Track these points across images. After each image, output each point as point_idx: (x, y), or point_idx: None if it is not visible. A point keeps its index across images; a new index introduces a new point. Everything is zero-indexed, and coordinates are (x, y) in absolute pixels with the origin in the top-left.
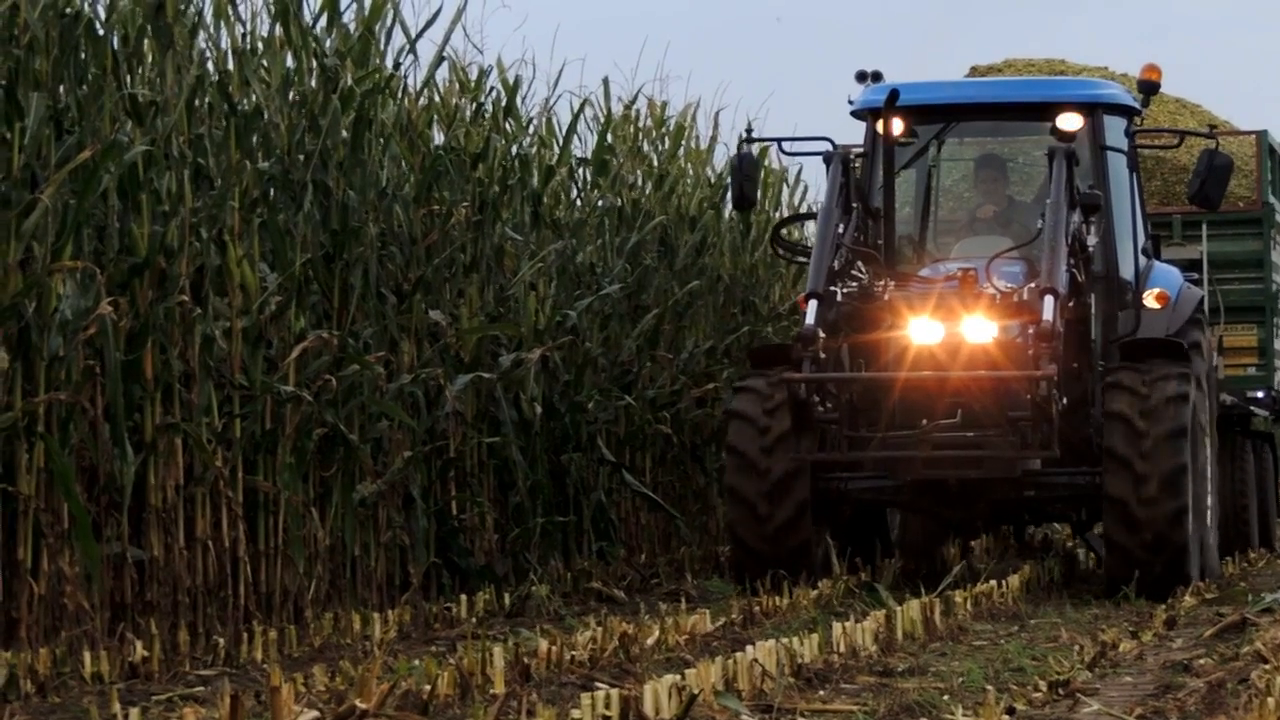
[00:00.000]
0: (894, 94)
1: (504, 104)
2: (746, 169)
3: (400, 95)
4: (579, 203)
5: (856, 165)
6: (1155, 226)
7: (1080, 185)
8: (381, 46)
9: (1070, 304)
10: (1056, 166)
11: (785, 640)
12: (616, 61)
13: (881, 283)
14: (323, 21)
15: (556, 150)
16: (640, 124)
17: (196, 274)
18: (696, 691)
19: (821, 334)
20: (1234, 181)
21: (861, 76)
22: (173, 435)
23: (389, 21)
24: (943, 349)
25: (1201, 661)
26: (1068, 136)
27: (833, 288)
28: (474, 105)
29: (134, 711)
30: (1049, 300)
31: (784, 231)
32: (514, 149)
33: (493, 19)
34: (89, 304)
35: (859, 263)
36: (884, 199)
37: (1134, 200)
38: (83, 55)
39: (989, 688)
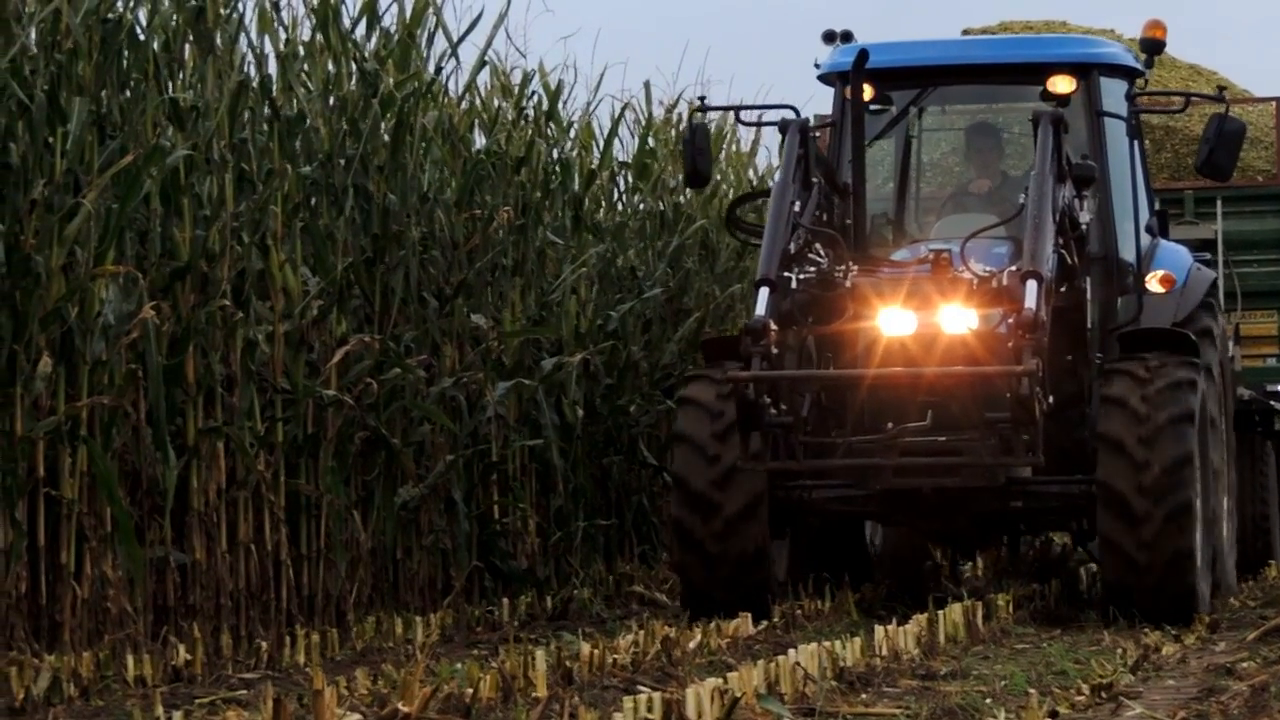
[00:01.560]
0: (863, 55)
1: (546, 108)
2: (700, 142)
3: (442, 99)
4: (620, 206)
5: (817, 135)
6: (1165, 204)
7: (1072, 155)
8: (423, 51)
9: (1062, 289)
10: (1042, 132)
11: (827, 643)
12: (658, 65)
13: (843, 267)
14: (362, 26)
15: (598, 154)
16: (681, 128)
17: (238, 278)
18: (739, 695)
19: (773, 326)
20: (1253, 153)
21: (829, 37)
22: (215, 439)
23: (431, 26)
24: (912, 342)
25: (1245, 665)
26: (1060, 101)
27: (787, 273)
28: (516, 109)
29: (177, 715)
30: (1032, 285)
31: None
32: (556, 153)
33: (535, 23)
34: (131, 308)
35: (818, 245)
36: (853, 173)
37: (1135, 172)
38: (125, 60)
39: (1031, 691)
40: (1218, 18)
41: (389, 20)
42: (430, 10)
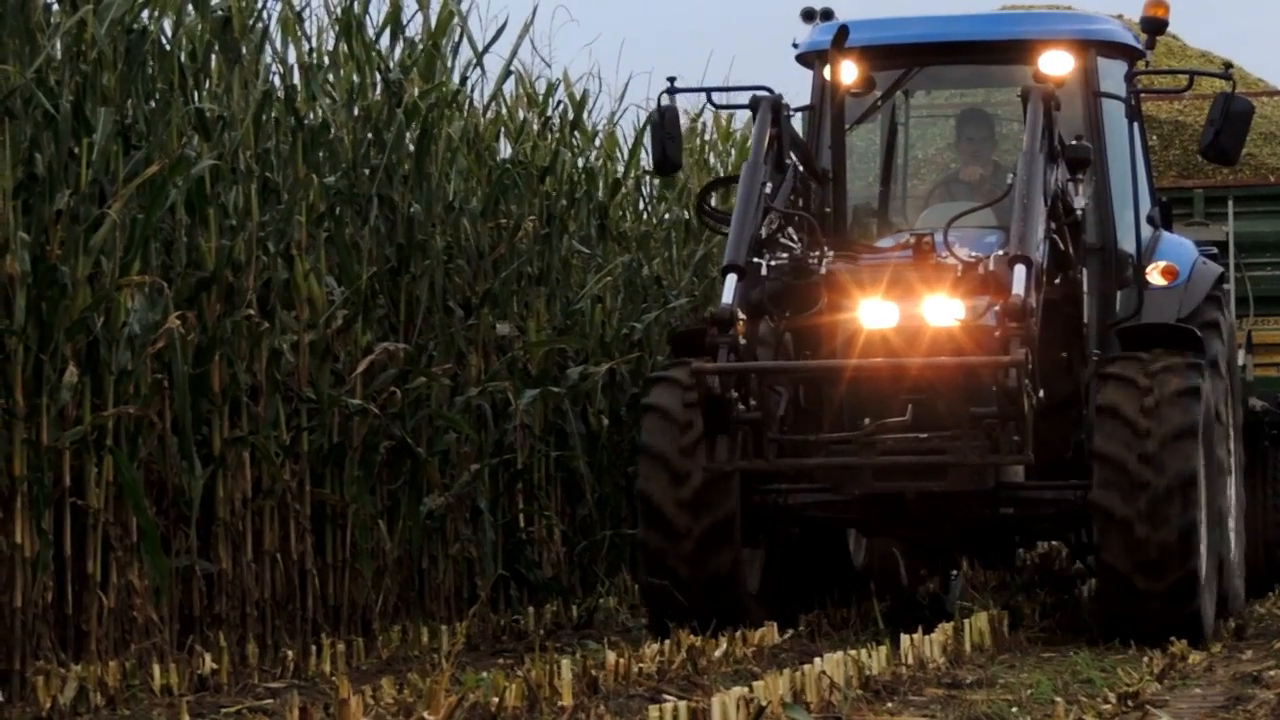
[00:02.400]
0: (843, 32)
1: (571, 117)
2: (669, 126)
3: (467, 109)
4: (646, 215)
5: (792, 114)
6: (1174, 204)
7: (1066, 137)
8: (448, 61)
9: (1057, 280)
10: (1032, 108)
11: (853, 652)
12: (683, 75)
13: (817, 254)
14: (386, 36)
15: (623, 163)
16: (706, 136)
17: (264, 288)
18: (764, 703)
19: (741, 315)
20: (1266, 149)
21: (809, 15)
22: (240, 448)
23: (455, 36)
24: (891, 333)
25: (1272, 673)
26: (1055, 81)
27: (757, 259)
28: (541, 119)
29: None
30: (1020, 271)
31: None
32: (581, 162)
33: (560, 33)
34: (157, 318)
35: (791, 230)
36: (833, 158)
37: (1135, 157)
38: (150, 70)
39: (1058, 699)
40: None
41: (413, 30)
42: (455, 20)
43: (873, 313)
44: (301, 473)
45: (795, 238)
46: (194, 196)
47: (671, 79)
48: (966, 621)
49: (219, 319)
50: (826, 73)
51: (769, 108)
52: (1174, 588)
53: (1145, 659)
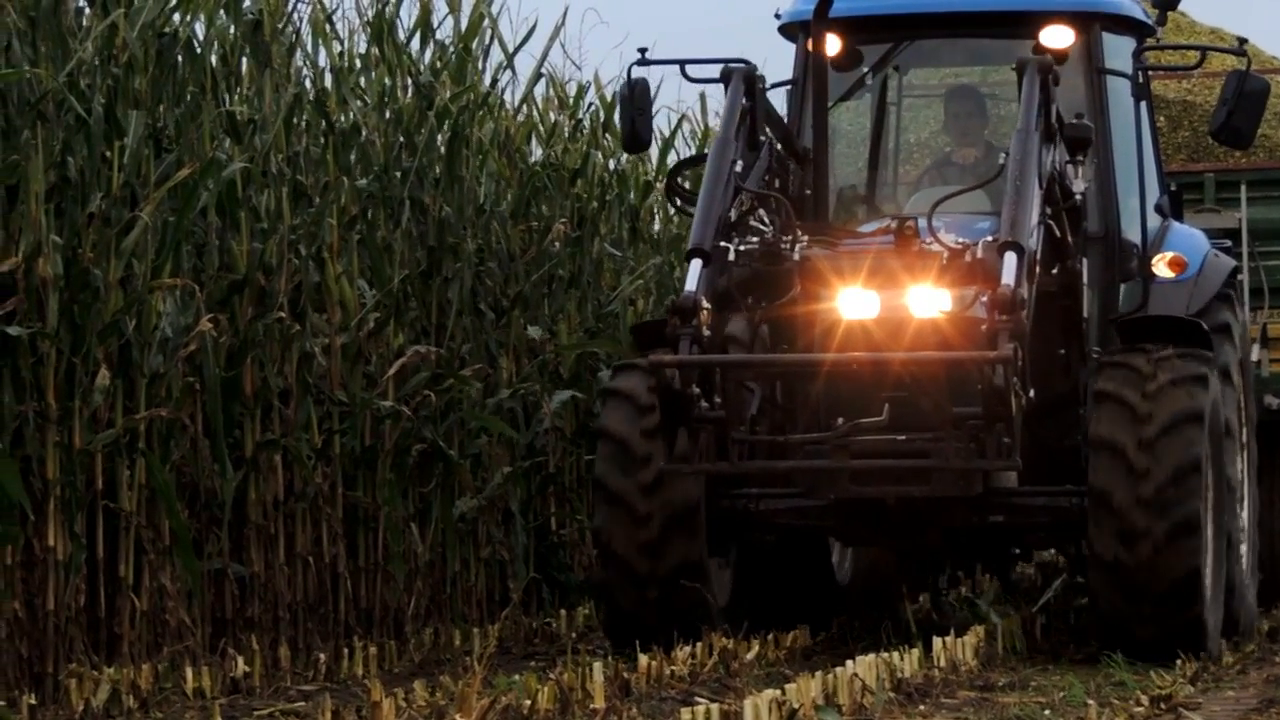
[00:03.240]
0: (825, 1)
1: (602, 119)
2: (639, 100)
3: (498, 111)
4: (677, 218)
5: (767, 87)
6: (1185, 189)
7: (1066, 115)
8: (479, 63)
9: (1053, 270)
10: (1027, 82)
11: (885, 654)
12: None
13: (790, 238)
14: (417, 39)
15: (654, 165)
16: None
17: (295, 291)
18: (796, 706)
19: (705, 304)
20: None
21: None
22: (272, 451)
23: (486, 39)
24: (869, 325)
25: None
26: (1057, 56)
27: (725, 244)
28: (572, 121)
29: None
30: (1010, 259)
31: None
32: (612, 164)
33: (590, 35)
34: (189, 321)
35: (762, 213)
36: (814, 137)
37: (1142, 140)
38: (181, 74)
39: (1090, 702)
40: None
41: (444, 32)
42: (485, 22)
43: (850, 303)
44: (333, 476)
45: (767, 221)
46: (225, 199)
47: (643, 50)
48: (999, 624)
49: (250, 322)
50: (810, 46)
51: (741, 80)
52: (1172, 585)
53: (1178, 661)
